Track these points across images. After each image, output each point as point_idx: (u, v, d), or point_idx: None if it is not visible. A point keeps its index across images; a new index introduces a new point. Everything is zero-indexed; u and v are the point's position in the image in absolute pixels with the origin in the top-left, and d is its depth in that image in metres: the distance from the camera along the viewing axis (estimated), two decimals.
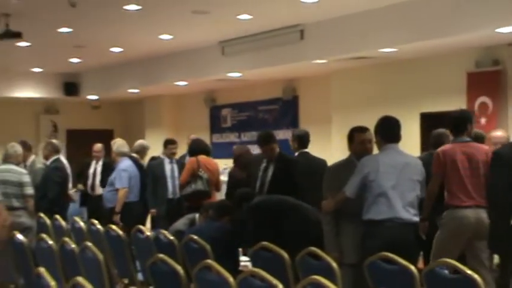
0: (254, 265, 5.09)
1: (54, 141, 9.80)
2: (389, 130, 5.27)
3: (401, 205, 5.01)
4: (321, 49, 10.22)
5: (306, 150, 7.40)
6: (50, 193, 8.47)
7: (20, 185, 7.63)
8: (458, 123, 5.71)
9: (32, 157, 9.07)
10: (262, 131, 7.22)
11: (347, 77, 11.29)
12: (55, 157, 9.05)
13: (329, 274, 4.28)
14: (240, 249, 5.93)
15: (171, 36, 11.12)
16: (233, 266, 5.26)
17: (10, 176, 7.64)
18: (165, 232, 6.01)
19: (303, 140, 7.39)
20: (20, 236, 6.05)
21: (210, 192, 8.30)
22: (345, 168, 5.31)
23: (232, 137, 14.49)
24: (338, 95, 11.50)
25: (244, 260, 5.70)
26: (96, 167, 10.18)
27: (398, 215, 5.00)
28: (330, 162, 5.67)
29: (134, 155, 9.20)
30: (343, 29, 9.77)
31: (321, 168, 7.06)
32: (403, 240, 4.94)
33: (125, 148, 9.00)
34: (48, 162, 9.04)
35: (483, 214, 5.47)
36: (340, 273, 4.44)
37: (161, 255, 4.55)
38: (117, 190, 8.72)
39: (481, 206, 5.50)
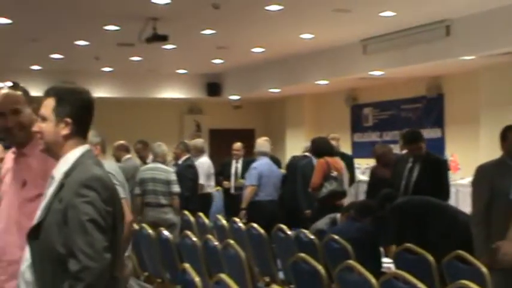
0: (397, 267, 4.99)
1: (186, 141, 10.14)
2: None
3: None
4: (468, 45, 9.84)
5: None
6: (185, 191, 8.65)
7: (168, 182, 7.91)
8: None
9: (127, 156, 9.32)
10: (409, 130, 7.03)
11: (497, 73, 10.78)
12: (186, 156, 9.35)
13: (478, 279, 4.10)
14: (383, 250, 5.83)
15: (312, 36, 11.14)
16: (375, 267, 5.17)
17: (158, 174, 7.95)
18: (306, 231, 6.02)
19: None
20: (165, 232, 6.29)
21: (346, 192, 8.20)
22: (497, 168, 5.05)
23: (373, 137, 14.30)
24: (488, 92, 11.00)
25: (387, 262, 5.60)
26: (236, 166, 10.39)
27: None
28: (477, 163, 5.41)
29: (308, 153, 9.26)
30: (492, 23, 9.35)
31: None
32: None
33: (264, 148, 9.03)
34: (180, 162, 9.33)
35: None
36: (490, 278, 4.25)
37: (302, 255, 4.56)
38: (247, 187, 8.90)
39: None
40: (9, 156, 3.49)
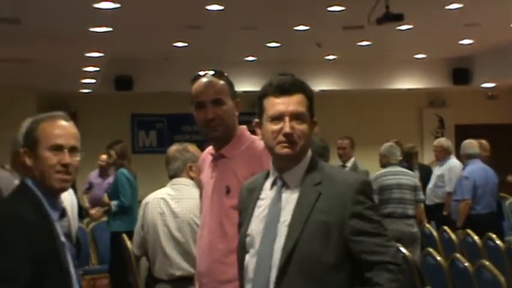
0: None
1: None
2: None
3: None
4: None
5: None
6: None
7: (414, 188, 8.07)
8: None
9: (352, 159, 9.34)
10: None
11: None
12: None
13: None
14: None
15: None
16: None
17: (405, 179, 8.11)
18: None
19: None
20: (402, 250, 6.43)
21: None
22: None
23: None
24: None
25: None
26: None
27: None
28: None
29: None
30: None
31: None
32: None
33: (473, 149, 8.88)
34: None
35: None
36: None
37: None
38: (458, 201, 8.81)
39: None
40: (205, 157, 3.71)
